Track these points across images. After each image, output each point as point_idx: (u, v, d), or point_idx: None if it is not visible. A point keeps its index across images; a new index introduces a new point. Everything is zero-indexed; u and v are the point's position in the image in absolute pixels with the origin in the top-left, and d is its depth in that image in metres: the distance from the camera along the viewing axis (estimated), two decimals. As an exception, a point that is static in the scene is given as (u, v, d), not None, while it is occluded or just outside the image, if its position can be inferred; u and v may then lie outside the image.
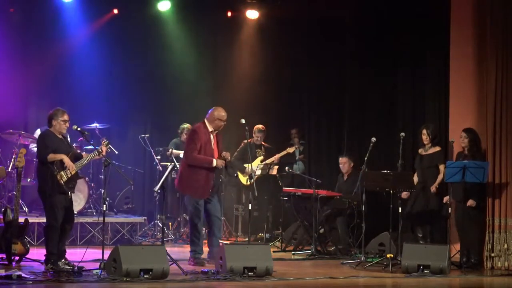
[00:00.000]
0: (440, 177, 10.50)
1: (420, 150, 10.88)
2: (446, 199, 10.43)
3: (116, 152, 9.53)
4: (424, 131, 10.73)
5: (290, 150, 12.29)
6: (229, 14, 13.66)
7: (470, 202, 10.07)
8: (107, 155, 9.25)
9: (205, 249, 10.05)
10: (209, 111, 9.92)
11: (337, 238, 11.46)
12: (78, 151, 9.70)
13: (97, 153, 8.99)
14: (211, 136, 9.82)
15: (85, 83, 12.79)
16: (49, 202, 8.84)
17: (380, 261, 10.04)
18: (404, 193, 10.47)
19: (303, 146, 13.13)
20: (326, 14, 13.13)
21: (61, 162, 8.83)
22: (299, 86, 13.84)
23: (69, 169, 8.84)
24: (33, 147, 11.82)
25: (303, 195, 11.41)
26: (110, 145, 9.40)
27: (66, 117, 8.98)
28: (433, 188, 10.54)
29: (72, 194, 9.06)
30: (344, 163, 11.75)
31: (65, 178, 8.82)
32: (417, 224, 10.82)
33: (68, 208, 8.99)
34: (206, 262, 9.70)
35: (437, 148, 10.77)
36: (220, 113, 9.86)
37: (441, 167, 10.48)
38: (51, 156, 8.80)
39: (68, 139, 9.63)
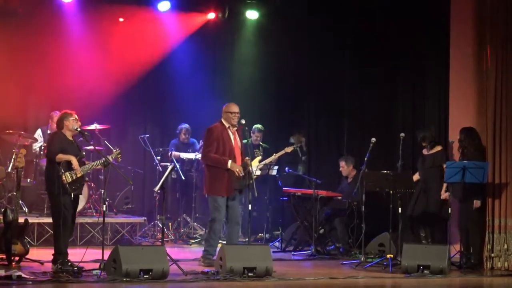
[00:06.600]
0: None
1: (423, 150, 10.87)
2: (445, 195, 10.40)
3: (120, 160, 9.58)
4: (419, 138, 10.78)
5: (288, 149, 12.25)
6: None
7: (477, 204, 10.02)
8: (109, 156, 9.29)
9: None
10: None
11: (336, 238, 11.46)
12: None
13: (105, 163, 9.05)
14: (230, 132, 9.95)
15: (85, 84, 12.76)
16: (56, 202, 8.89)
17: (380, 261, 10.04)
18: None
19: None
20: (326, 15, 13.12)
21: (68, 163, 8.88)
22: (299, 86, 13.83)
23: (75, 171, 8.88)
24: (34, 148, 11.82)
25: (303, 195, 11.40)
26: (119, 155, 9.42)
27: (75, 115, 9.08)
28: (444, 195, 10.48)
29: (80, 195, 9.17)
30: (342, 166, 11.76)
31: (69, 179, 8.85)
32: (419, 225, 10.81)
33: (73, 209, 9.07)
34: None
35: (438, 148, 10.76)
36: (229, 107, 10.02)
37: (445, 166, 10.35)
38: (60, 156, 8.86)
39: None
